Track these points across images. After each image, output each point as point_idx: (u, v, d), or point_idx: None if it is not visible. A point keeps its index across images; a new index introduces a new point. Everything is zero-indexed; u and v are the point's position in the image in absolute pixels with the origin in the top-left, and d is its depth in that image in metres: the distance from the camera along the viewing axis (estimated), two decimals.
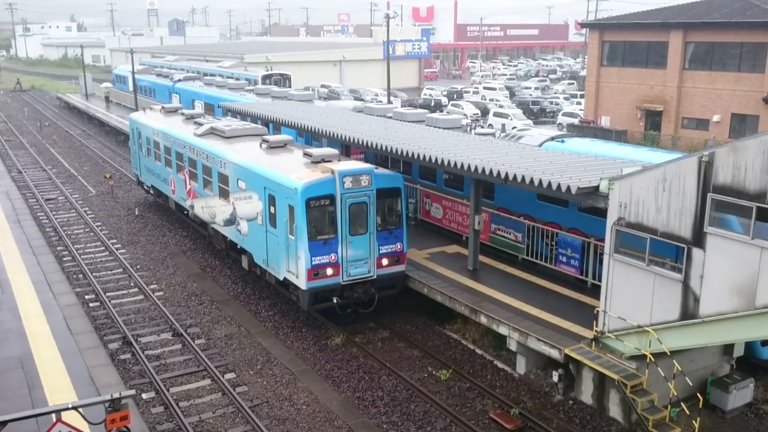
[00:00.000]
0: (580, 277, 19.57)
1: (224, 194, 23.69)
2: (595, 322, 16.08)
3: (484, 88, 78.19)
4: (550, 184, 15.85)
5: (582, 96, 61.54)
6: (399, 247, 20.31)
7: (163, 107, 34.29)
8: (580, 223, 20.11)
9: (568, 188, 15.39)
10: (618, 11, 75.49)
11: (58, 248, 28.22)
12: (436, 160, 19.36)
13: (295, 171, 20.00)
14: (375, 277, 20.02)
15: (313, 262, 18.98)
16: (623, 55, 51.98)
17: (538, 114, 64.33)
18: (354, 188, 19.21)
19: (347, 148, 26.10)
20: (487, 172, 17.58)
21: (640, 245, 14.80)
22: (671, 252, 14.42)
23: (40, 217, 32.81)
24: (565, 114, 58.54)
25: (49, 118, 69.05)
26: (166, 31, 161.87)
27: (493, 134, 27.79)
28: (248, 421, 15.82)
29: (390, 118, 29.38)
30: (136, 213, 33.31)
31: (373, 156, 26.71)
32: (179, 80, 54.76)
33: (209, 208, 25.30)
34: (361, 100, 62.30)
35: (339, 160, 20.79)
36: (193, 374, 18.13)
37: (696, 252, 13.81)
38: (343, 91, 73.13)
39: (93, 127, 62.13)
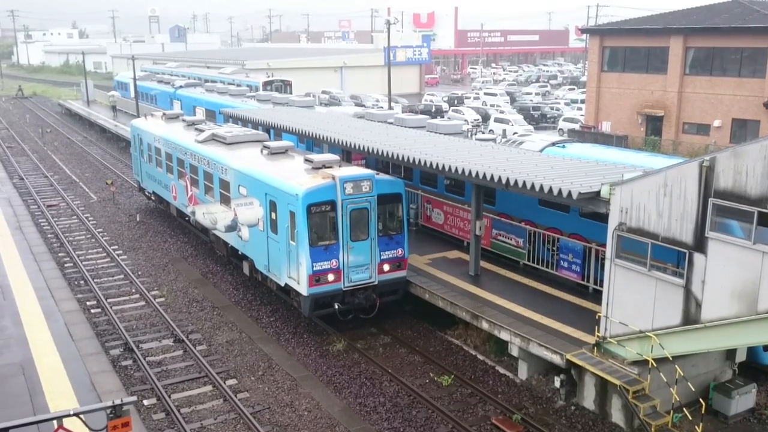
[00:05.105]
0: (582, 282, 19.54)
1: (225, 200, 23.71)
2: (596, 327, 16.06)
3: (485, 93, 78.22)
4: (551, 190, 15.86)
5: (582, 101, 61.56)
6: (400, 252, 20.30)
7: (164, 114, 34.36)
8: (582, 228, 20.11)
9: (569, 193, 15.39)
10: (618, 17, 75.63)
11: (60, 254, 28.25)
12: (437, 165, 19.37)
13: (296, 177, 20.02)
14: (376, 282, 20.02)
15: (315, 268, 18.97)
16: (624, 61, 52.01)
17: (538, 119, 64.38)
18: (355, 194, 19.22)
19: (348, 154, 26.12)
20: (488, 178, 17.58)
21: (642, 250, 14.79)
22: (672, 257, 14.42)
23: (42, 224, 32.83)
24: (565, 119, 58.57)
25: (50, 125, 69.14)
26: (167, 37, 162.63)
27: (494, 140, 27.82)
28: (250, 428, 15.80)
29: (391, 123, 29.41)
30: (138, 219, 33.34)
31: (374, 162, 26.72)
32: (180, 87, 54.87)
33: (210, 214, 25.31)
34: (362, 106, 62.38)
35: (340, 166, 20.82)
36: (195, 380, 18.12)
37: (697, 257, 13.80)
38: (344, 97, 73.24)
39: (94, 133, 62.22)
